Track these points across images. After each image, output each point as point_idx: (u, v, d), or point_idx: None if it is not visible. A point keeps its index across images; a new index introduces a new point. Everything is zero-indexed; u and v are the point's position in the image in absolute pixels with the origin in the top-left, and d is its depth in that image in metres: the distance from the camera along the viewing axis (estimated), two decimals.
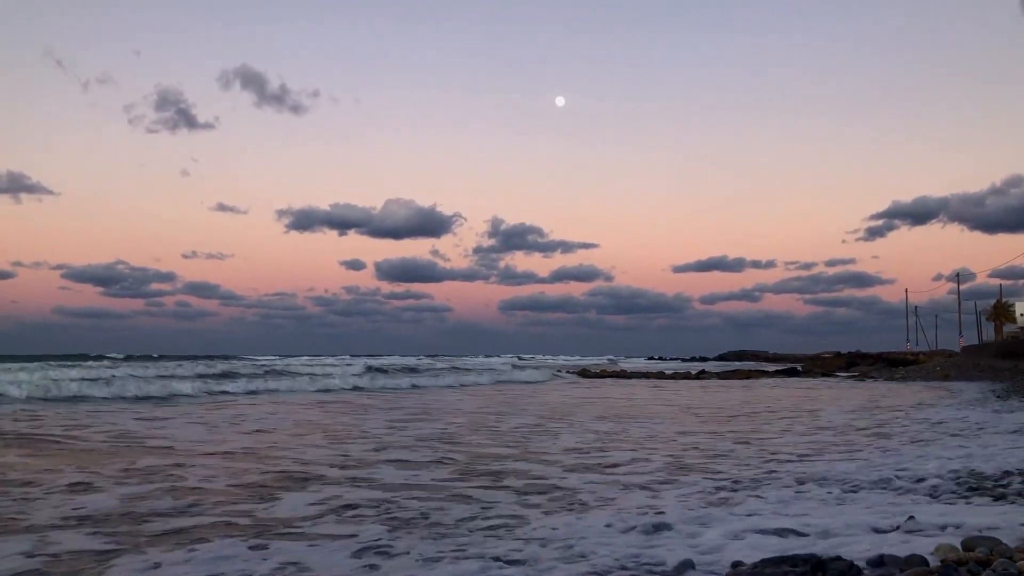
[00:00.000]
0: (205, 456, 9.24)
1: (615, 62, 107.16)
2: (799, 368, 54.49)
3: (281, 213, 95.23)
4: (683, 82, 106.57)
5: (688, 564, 4.33)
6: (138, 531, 5.43)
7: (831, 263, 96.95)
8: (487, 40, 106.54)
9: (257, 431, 12.39)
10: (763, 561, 4.08)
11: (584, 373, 45.48)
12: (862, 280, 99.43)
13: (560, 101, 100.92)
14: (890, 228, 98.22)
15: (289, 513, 6.03)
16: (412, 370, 36.47)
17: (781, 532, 4.98)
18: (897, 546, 4.43)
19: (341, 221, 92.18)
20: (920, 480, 6.93)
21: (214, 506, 6.26)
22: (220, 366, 31.59)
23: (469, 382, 32.21)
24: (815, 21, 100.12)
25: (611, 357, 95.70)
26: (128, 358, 48.75)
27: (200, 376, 26.38)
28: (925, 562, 4.05)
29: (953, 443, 10.14)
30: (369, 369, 34.61)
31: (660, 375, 44.14)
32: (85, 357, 48.56)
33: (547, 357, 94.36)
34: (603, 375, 44.40)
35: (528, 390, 28.06)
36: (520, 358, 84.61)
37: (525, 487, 7.23)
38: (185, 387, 22.02)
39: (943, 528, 4.86)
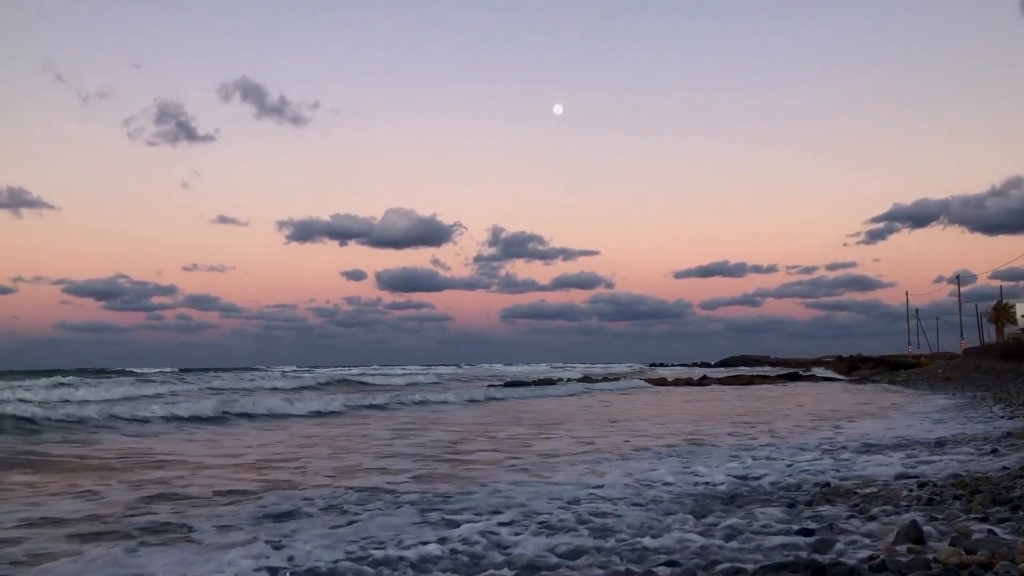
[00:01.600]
0: None
1: (613, 68, 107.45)
2: (800, 372, 54.45)
3: (282, 224, 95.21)
4: (683, 88, 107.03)
5: None
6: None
7: (832, 267, 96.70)
8: (485, 50, 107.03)
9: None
10: (763, 568, 4.06)
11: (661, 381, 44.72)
12: (863, 283, 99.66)
13: (558, 109, 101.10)
14: (891, 231, 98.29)
15: None
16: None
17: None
18: None
19: (341, 232, 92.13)
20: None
21: None
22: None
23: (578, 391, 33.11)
24: (813, 25, 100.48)
25: (641, 365, 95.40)
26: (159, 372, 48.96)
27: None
28: (927, 565, 4.04)
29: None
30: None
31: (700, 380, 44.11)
32: (98, 372, 48.26)
33: (576, 365, 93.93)
34: (677, 383, 43.67)
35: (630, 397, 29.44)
36: (552, 366, 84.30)
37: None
38: (335, 404, 20.97)
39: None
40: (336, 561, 4.97)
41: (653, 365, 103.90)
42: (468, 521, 6.06)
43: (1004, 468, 7.55)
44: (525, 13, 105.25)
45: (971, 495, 6.11)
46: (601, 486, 7.68)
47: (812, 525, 5.47)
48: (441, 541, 5.43)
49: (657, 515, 6.24)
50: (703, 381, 43.58)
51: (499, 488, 7.59)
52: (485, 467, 9.44)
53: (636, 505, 6.72)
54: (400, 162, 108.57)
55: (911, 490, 6.68)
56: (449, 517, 6.26)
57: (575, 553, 5.03)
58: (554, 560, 4.92)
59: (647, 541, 5.23)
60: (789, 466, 8.90)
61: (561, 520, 6.05)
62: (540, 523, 5.98)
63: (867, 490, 6.86)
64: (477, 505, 6.73)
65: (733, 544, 5.08)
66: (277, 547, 5.33)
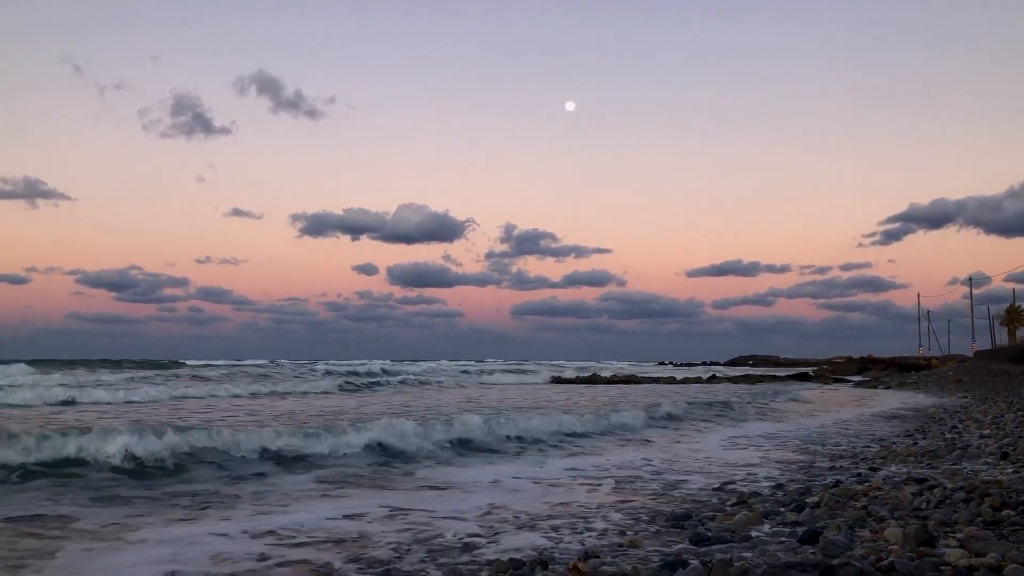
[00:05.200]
0: None
1: (626, 65, 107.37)
2: (810, 373, 54.25)
3: (295, 218, 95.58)
4: (697, 85, 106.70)
5: None
6: None
7: (846, 267, 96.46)
8: (499, 46, 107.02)
9: None
10: (770, 567, 4.05)
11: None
12: (876, 284, 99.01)
13: (570, 106, 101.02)
14: (906, 232, 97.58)
15: None
16: None
17: None
18: None
19: (354, 226, 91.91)
20: None
21: None
22: None
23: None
24: (829, 22, 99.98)
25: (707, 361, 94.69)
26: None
27: None
28: (937, 568, 4.02)
29: None
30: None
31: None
32: (136, 363, 48.23)
33: (600, 363, 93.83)
34: None
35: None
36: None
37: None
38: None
39: None
40: None
41: (662, 364, 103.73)
42: None
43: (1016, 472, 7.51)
44: (539, 10, 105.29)
45: (981, 498, 6.07)
46: None
47: (820, 525, 5.46)
48: None
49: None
50: (712, 379, 43.46)
51: None
52: None
53: None
54: (413, 158, 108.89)
55: (920, 493, 6.66)
56: None
57: None
58: None
59: None
60: None
61: None
62: None
63: (876, 492, 6.84)
64: None
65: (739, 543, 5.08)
66: None
